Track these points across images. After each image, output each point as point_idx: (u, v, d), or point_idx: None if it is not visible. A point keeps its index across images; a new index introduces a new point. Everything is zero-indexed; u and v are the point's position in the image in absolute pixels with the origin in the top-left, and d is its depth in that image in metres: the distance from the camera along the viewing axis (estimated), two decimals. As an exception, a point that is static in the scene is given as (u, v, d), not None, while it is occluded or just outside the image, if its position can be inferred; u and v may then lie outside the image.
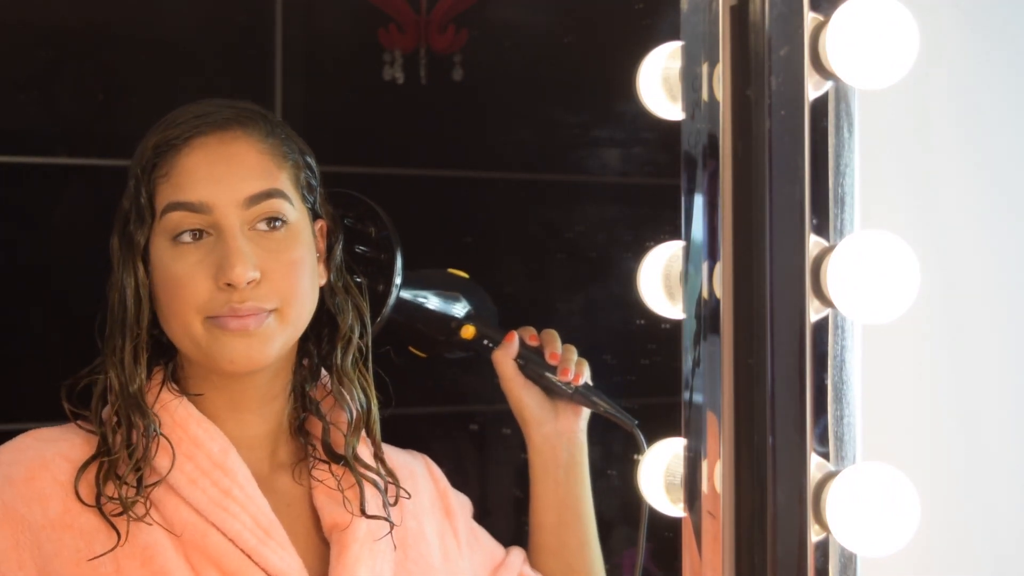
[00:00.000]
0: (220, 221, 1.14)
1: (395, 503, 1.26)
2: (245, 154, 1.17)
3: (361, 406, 1.24)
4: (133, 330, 1.16)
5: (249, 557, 1.13)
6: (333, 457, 1.22)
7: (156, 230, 1.15)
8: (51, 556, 1.10)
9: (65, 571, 1.09)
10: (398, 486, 1.26)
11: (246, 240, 1.14)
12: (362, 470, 1.23)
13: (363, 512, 1.20)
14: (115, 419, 1.15)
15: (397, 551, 1.24)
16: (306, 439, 1.25)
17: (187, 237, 1.14)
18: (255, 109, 1.21)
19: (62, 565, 1.10)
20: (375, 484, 1.23)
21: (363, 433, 1.25)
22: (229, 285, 1.13)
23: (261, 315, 1.14)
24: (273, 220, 1.16)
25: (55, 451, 1.14)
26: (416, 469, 1.33)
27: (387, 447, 1.30)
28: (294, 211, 1.18)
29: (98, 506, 1.11)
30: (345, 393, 1.24)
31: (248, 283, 1.13)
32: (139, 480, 1.13)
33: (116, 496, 1.11)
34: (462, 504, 1.38)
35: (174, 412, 1.17)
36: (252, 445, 1.21)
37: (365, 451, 1.25)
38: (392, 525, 1.22)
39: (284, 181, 1.18)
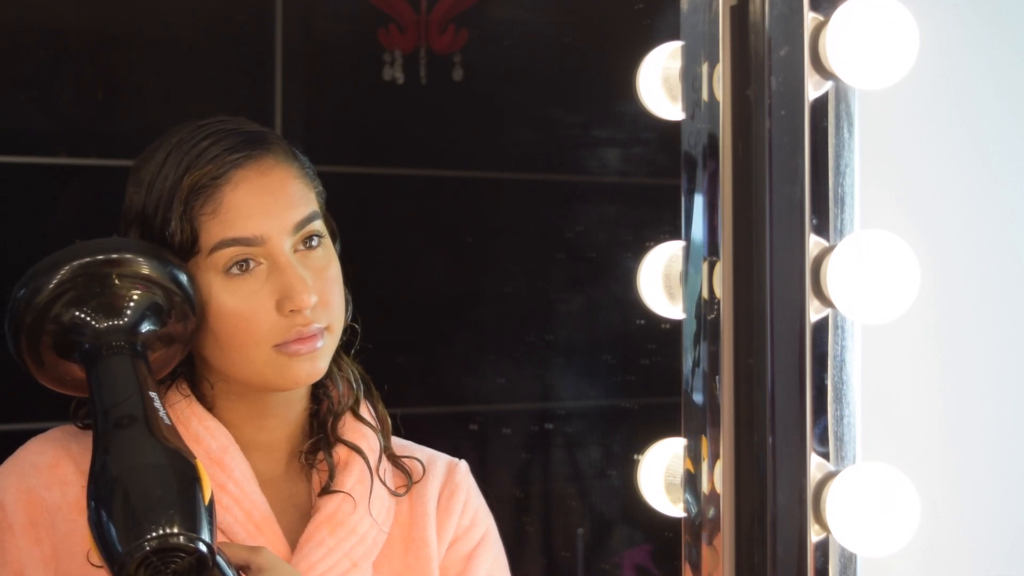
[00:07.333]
0: (273, 251, 1.17)
1: (405, 492, 1.26)
2: (284, 182, 1.20)
3: (357, 384, 1.27)
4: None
5: None
6: (327, 435, 1.23)
7: (202, 266, 1.17)
8: (64, 536, 1.15)
9: (75, 550, 1.14)
10: (407, 473, 1.25)
11: (298, 264, 1.16)
12: (344, 448, 1.23)
13: (326, 490, 1.20)
14: None
15: (396, 543, 1.23)
16: (321, 430, 1.26)
17: (236, 269, 1.17)
18: (268, 131, 1.23)
19: (73, 545, 1.15)
20: (362, 456, 1.23)
21: (369, 420, 1.25)
22: (293, 312, 1.15)
23: (320, 334, 1.17)
24: (312, 239, 1.19)
25: (80, 445, 1.18)
26: (437, 464, 1.31)
27: (412, 445, 1.30)
28: (324, 226, 1.20)
29: None
30: (346, 373, 1.27)
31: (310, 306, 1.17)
32: None
33: None
34: (477, 536, 1.30)
35: (178, 412, 1.19)
36: (271, 448, 1.23)
37: (370, 435, 1.25)
38: (354, 501, 1.21)
39: (314, 200, 1.21)
